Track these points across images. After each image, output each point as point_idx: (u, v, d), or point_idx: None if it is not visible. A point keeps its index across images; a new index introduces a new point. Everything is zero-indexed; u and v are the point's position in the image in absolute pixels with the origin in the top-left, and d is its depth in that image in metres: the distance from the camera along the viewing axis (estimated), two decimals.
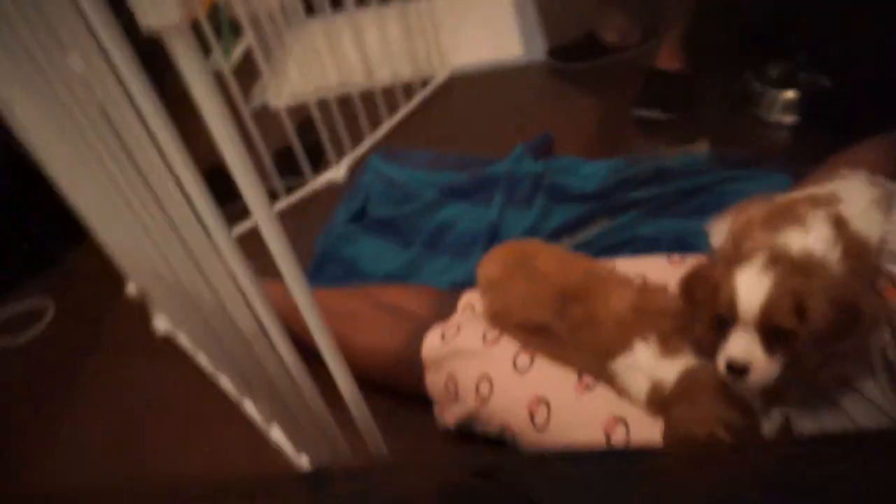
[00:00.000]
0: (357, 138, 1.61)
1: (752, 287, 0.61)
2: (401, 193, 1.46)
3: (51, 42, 0.62)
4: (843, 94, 0.74)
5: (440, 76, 1.79)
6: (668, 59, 1.48)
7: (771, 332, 0.62)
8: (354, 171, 1.60)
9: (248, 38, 1.40)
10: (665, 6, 1.50)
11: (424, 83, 1.77)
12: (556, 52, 1.67)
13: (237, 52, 2.08)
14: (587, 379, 0.84)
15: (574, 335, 0.83)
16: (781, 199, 0.70)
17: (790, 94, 1.30)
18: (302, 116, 1.59)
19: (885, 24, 0.91)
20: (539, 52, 1.76)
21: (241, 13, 1.41)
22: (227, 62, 1.78)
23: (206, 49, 1.40)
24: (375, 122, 1.64)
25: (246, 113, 1.45)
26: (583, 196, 1.32)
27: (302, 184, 1.59)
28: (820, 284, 0.59)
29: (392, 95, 1.69)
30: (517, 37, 1.89)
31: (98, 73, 0.57)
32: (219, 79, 1.40)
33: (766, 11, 1.42)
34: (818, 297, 0.59)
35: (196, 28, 1.37)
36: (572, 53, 1.65)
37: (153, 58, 0.52)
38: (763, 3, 1.45)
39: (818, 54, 1.27)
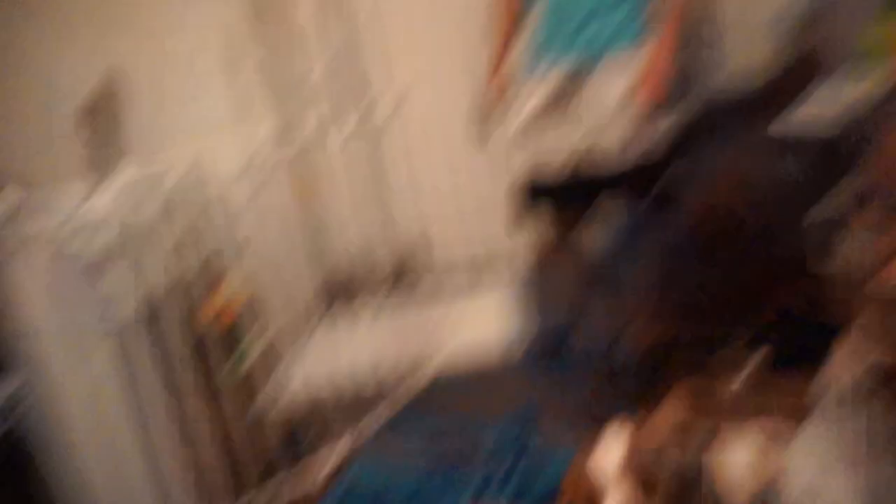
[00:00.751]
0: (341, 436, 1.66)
1: None
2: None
3: None
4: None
5: (429, 370, 1.88)
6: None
7: None
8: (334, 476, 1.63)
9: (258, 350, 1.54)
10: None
11: (413, 376, 1.85)
12: (534, 351, 1.82)
13: (248, 362, 2.14)
14: None
15: None
16: None
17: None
18: (296, 421, 1.65)
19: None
20: (522, 349, 1.89)
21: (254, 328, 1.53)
22: (236, 373, 1.90)
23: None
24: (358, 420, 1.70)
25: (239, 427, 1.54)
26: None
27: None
28: None
29: (386, 393, 1.77)
30: (504, 336, 2.00)
31: None
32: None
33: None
34: None
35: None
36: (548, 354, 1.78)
37: None
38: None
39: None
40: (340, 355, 1.76)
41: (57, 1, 2.44)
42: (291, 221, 2.37)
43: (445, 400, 1.83)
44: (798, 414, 0.61)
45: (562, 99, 1.55)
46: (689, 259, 1.72)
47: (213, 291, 2.48)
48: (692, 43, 2.53)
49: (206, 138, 2.46)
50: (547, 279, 2.23)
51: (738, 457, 0.65)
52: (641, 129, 1.45)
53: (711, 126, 1.87)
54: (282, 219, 1.93)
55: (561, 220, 1.72)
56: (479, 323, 2.26)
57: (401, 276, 2.01)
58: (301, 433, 1.66)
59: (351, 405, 1.73)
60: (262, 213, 1.62)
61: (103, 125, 2.46)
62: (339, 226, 2.47)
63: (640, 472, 0.66)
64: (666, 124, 1.48)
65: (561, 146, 1.59)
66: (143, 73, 2.49)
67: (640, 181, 1.51)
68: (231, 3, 2.37)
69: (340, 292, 1.84)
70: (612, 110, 1.47)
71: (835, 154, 1.33)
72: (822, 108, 1.37)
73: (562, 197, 1.66)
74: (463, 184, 2.50)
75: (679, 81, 1.47)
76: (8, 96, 2.52)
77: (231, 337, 2.33)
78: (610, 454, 0.70)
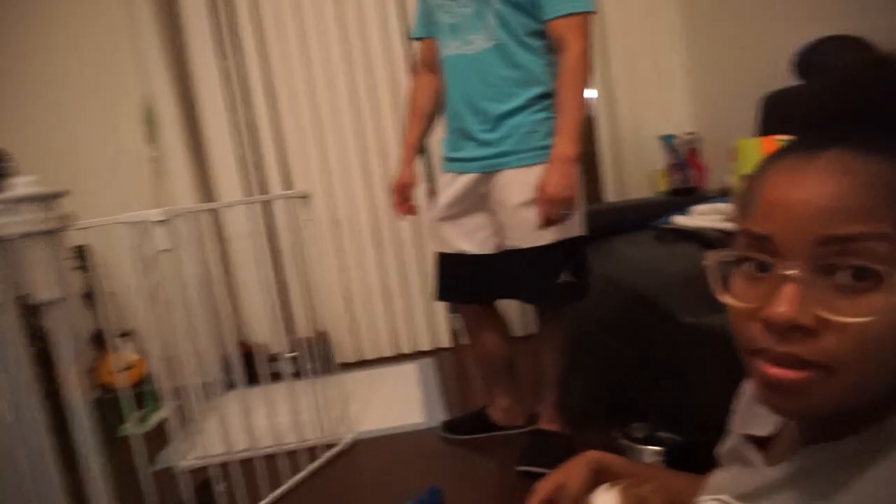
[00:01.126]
0: (255, 499, 1.65)
1: None
2: None
3: None
4: (696, 447, 0.85)
5: (345, 440, 1.94)
6: (548, 421, 1.74)
7: None
8: None
9: (167, 408, 1.53)
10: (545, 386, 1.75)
11: (329, 446, 1.89)
12: (448, 425, 1.91)
13: (156, 418, 2.24)
14: None
15: None
16: None
17: (653, 450, 1.48)
18: (202, 477, 1.64)
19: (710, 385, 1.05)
20: (439, 419, 2.00)
21: (164, 386, 1.54)
22: (140, 427, 1.97)
23: (123, 415, 1.55)
24: (276, 484, 1.71)
25: (146, 472, 1.54)
26: None
27: None
28: None
29: (296, 457, 1.80)
30: (420, 407, 2.15)
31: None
32: (127, 443, 1.56)
33: (620, 383, 1.77)
34: None
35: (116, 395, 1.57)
36: (462, 427, 1.89)
37: None
38: (615, 377, 1.81)
39: (669, 414, 1.50)
40: (256, 416, 1.72)
41: None
42: (209, 280, 2.38)
43: (360, 468, 1.83)
44: None
45: (469, 197, 1.63)
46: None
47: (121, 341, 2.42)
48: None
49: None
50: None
51: None
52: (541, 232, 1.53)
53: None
54: (198, 277, 1.91)
55: (470, 315, 1.79)
56: (396, 392, 2.32)
57: (319, 344, 2.01)
58: (209, 492, 1.60)
59: (265, 466, 1.69)
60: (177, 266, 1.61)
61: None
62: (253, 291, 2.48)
63: None
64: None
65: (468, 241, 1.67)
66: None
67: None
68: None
69: (257, 352, 1.82)
70: (512, 215, 1.56)
71: None
72: None
73: (468, 296, 1.74)
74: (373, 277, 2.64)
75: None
76: None
77: (140, 389, 2.28)
78: None
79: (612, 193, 2.80)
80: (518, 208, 1.53)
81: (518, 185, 1.53)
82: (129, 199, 2.46)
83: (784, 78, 1.89)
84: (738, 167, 1.48)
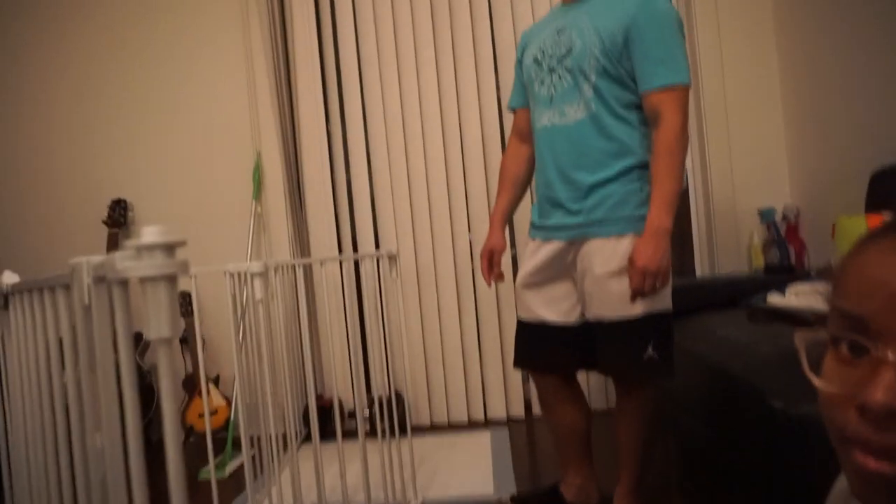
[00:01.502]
0: None
1: None
2: None
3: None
4: None
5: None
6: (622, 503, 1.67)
7: None
8: None
9: (244, 456, 1.57)
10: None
11: None
12: (518, 499, 1.85)
13: (233, 464, 2.36)
14: None
15: None
16: None
17: None
18: None
19: None
20: (509, 491, 1.95)
21: (244, 433, 1.59)
22: (220, 472, 2.13)
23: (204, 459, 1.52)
24: None
25: None
26: None
27: None
28: None
29: None
30: (490, 478, 2.12)
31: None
32: (206, 487, 1.60)
33: (703, 469, 1.72)
34: None
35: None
36: (532, 502, 1.83)
37: None
38: (697, 462, 1.74)
39: None
40: (328, 471, 1.74)
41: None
42: (297, 332, 2.47)
43: None
44: None
45: (554, 265, 1.62)
46: None
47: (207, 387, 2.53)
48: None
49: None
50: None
51: None
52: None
53: None
54: (287, 328, 1.99)
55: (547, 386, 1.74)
56: (467, 460, 2.28)
57: (395, 404, 2.03)
58: None
59: None
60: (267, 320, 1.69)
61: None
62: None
63: None
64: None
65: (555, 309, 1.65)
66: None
67: None
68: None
69: (334, 407, 1.86)
70: (599, 285, 1.53)
71: None
72: None
73: (547, 365, 1.70)
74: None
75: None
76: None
77: (222, 434, 2.37)
78: None
79: (703, 267, 2.71)
80: (605, 278, 1.51)
81: (606, 254, 1.51)
82: (231, 250, 2.64)
83: (893, 154, 1.81)
84: (839, 246, 1.41)
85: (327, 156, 2.67)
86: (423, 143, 2.63)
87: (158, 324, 0.45)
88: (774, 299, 1.76)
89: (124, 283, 0.51)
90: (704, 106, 2.62)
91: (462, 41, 2.63)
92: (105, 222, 2.61)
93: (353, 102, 2.66)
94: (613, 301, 1.50)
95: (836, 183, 2.31)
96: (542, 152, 1.63)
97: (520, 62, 1.74)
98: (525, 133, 1.75)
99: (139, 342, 2.62)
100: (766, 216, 2.52)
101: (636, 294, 1.44)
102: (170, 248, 0.45)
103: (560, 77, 1.55)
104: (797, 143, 2.55)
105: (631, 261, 1.44)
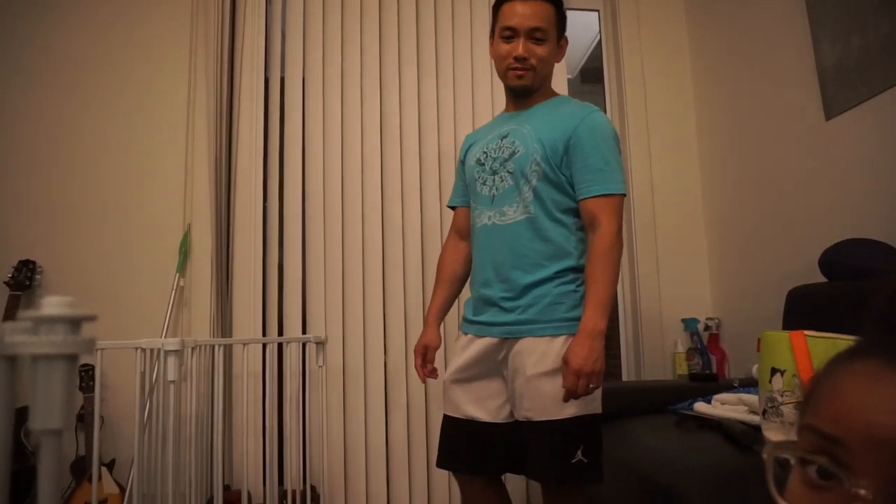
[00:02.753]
0: None
1: None
2: None
3: None
4: None
5: None
6: None
7: None
8: None
9: None
10: None
11: None
12: None
13: None
14: None
15: None
16: None
17: None
18: None
19: None
20: None
21: None
22: None
23: None
24: None
25: None
26: None
27: None
28: None
29: None
30: None
31: None
32: None
33: None
34: None
35: None
36: None
37: None
38: None
39: None
40: None
41: None
42: (208, 416, 2.29)
43: None
44: None
45: (485, 362, 1.61)
46: None
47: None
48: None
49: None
50: None
51: None
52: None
53: None
54: (198, 412, 1.84)
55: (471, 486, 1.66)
56: None
57: (309, 499, 1.88)
58: None
59: None
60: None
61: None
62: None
63: None
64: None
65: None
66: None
67: None
68: None
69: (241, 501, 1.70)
70: (530, 385, 1.50)
71: None
72: None
73: (472, 465, 1.64)
74: None
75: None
76: None
77: None
78: None
79: (629, 372, 2.74)
80: (537, 378, 1.49)
81: (539, 354, 1.50)
82: (146, 324, 2.47)
83: (809, 273, 1.91)
84: (764, 359, 1.45)
85: (261, 233, 2.60)
86: (363, 231, 2.61)
87: (47, 412, 0.38)
88: (701, 407, 1.77)
89: (12, 360, 0.44)
90: (634, 220, 2.74)
91: (408, 140, 2.68)
92: (7, 282, 2.40)
93: (294, 181, 2.63)
94: (545, 402, 1.48)
95: (754, 298, 2.42)
96: (481, 250, 1.66)
97: (462, 163, 1.80)
98: (464, 231, 1.79)
99: (23, 416, 2.36)
100: (689, 325, 2.60)
101: (569, 395, 1.43)
102: (75, 323, 0.39)
103: (502, 179, 1.60)
104: (718, 259, 2.69)
105: (565, 361, 1.43)
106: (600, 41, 3.03)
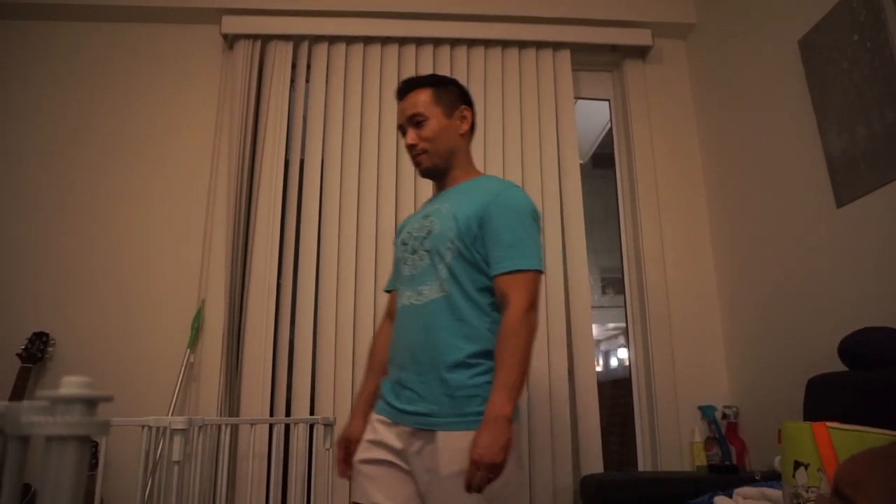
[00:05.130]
0: None
1: None
2: None
3: None
4: None
5: None
6: None
7: None
8: None
9: None
10: None
11: None
12: None
13: None
14: None
15: None
16: None
17: None
18: None
19: None
20: None
21: None
22: None
23: None
24: None
25: None
26: None
27: None
28: None
29: None
30: None
31: None
32: None
33: None
34: None
35: None
36: None
37: None
38: None
39: None
40: None
41: None
42: (211, 496, 2.22)
43: None
44: None
45: (398, 449, 1.51)
46: None
47: None
48: None
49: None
50: None
51: None
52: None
53: None
54: (201, 492, 1.79)
55: None
56: None
57: None
58: None
59: None
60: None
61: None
62: None
63: None
64: None
65: None
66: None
67: None
68: None
69: None
70: (437, 482, 1.41)
71: None
72: None
73: None
74: None
75: None
76: None
77: None
78: None
79: (645, 461, 2.65)
80: (446, 477, 1.39)
81: (449, 451, 1.40)
82: (152, 400, 2.44)
83: (828, 362, 1.87)
84: (786, 451, 1.40)
85: (273, 312, 2.60)
86: (374, 314, 2.61)
87: (56, 493, 0.38)
88: (722, 502, 1.70)
89: (25, 440, 0.44)
90: (648, 304, 2.73)
91: None
92: (19, 355, 2.41)
93: (308, 260, 2.66)
94: (451, 499, 1.37)
95: (772, 386, 2.36)
96: (399, 331, 1.61)
97: (395, 245, 1.77)
98: (394, 315, 1.71)
99: (25, 496, 2.31)
100: (706, 413, 2.53)
101: (469, 487, 1.32)
102: (91, 404, 0.39)
103: (420, 258, 1.58)
104: (734, 345, 2.64)
105: (470, 451, 1.34)
106: (611, 129, 3.13)
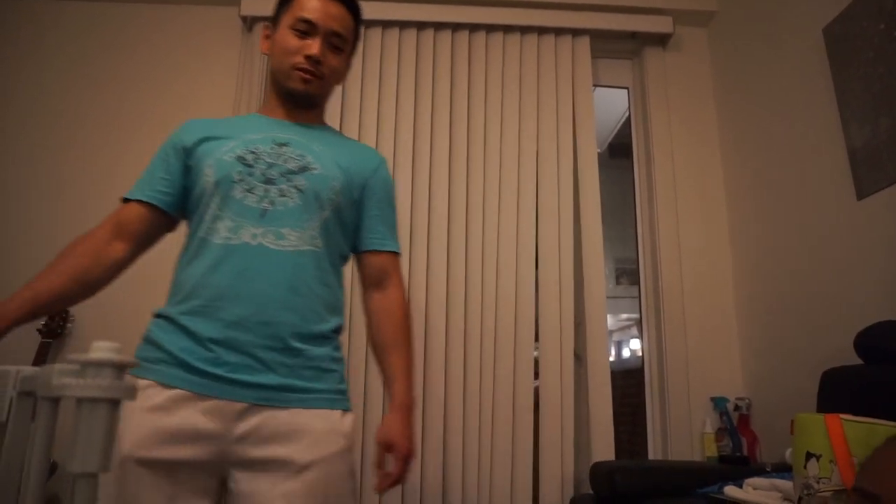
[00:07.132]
0: None
1: None
2: None
3: None
4: None
5: None
6: None
7: None
8: None
9: None
10: None
11: None
12: None
13: None
14: None
15: None
16: None
17: None
18: None
19: None
20: None
21: None
22: None
23: None
24: None
25: None
26: None
27: None
28: None
29: None
30: None
31: None
32: None
33: None
34: None
35: None
36: None
37: None
38: None
39: None
40: None
41: None
42: None
43: None
44: None
45: (206, 439, 1.18)
46: None
47: None
48: None
49: None
50: None
51: None
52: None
53: None
54: None
55: None
56: None
57: None
58: None
59: None
60: None
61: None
62: None
63: None
64: None
65: None
66: None
67: None
68: None
69: None
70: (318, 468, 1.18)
71: None
72: None
73: None
74: None
75: None
76: None
77: None
78: None
79: (655, 451, 2.66)
80: (312, 462, 1.15)
81: (314, 433, 1.18)
82: None
83: (843, 355, 1.86)
84: (798, 443, 1.40)
85: None
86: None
87: (86, 455, 0.39)
88: (732, 492, 1.70)
89: (55, 402, 0.45)
90: (663, 294, 2.72)
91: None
92: (39, 330, 2.45)
93: None
94: (341, 491, 1.18)
95: (786, 378, 2.35)
96: (234, 274, 1.22)
97: (187, 150, 1.37)
98: (128, 233, 1.38)
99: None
100: (718, 404, 2.53)
101: (394, 483, 1.22)
102: (120, 369, 0.40)
103: (283, 193, 1.26)
104: (749, 337, 2.63)
105: (391, 444, 1.24)
106: (629, 117, 3.10)
